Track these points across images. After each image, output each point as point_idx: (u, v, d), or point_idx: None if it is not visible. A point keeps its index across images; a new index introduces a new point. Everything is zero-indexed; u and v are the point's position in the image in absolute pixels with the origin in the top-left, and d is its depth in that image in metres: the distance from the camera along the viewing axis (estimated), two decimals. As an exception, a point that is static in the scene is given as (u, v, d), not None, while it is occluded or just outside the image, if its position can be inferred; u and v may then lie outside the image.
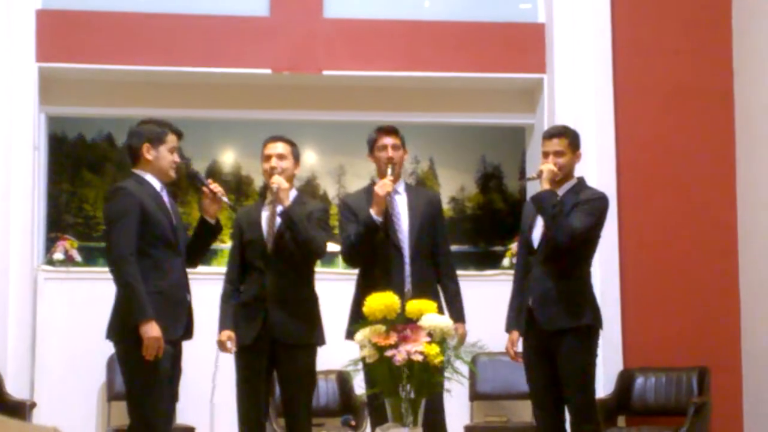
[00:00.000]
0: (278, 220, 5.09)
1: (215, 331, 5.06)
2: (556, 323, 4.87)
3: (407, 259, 5.13)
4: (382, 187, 5.05)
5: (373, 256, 5.10)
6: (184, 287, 4.68)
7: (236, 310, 5.08)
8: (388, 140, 5.19)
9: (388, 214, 5.14)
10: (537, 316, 4.92)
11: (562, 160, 4.95)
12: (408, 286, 5.09)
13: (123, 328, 4.49)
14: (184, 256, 4.72)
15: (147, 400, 4.48)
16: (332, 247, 5.42)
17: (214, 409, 5.06)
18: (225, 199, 4.84)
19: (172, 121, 4.81)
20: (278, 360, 5.06)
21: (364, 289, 4.87)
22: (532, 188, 5.18)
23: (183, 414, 6.52)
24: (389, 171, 5.11)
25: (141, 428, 4.52)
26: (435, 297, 5.14)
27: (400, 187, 5.29)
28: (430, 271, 5.20)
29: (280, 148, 5.15)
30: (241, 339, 5.02)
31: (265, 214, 5.14)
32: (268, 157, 5.12)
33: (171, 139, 4.69)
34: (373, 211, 5.04)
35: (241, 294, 5.13)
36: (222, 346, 5.05)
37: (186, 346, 4.72)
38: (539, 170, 4.96)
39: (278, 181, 5.03)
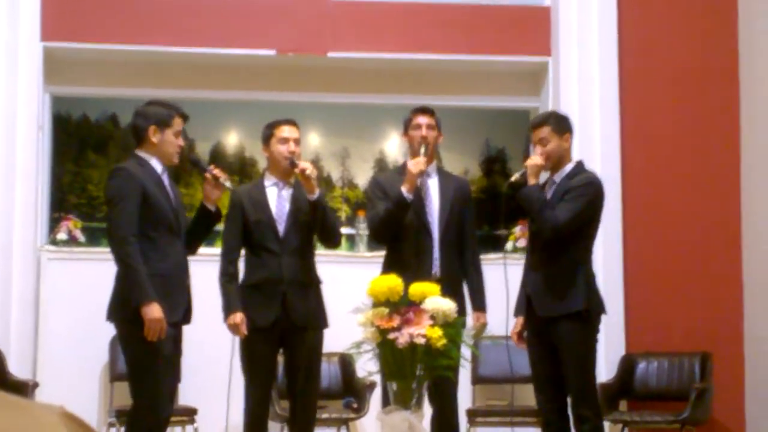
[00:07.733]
0: (287, 202, 5.07)
1: (218, 312, 5.03)
2: (547, 311, 4.90)
3: (436, 243, 5.13)
4: (415, 164, 5.05)
5: (402, 238, 5.10)
6: (184, 270, 4.68)
7: (242, 291, 5.03)
8: (423, 119, 5.21)
9: (419, 196, 5.14)
10: (533, 304, 4.95)
11: (548, 148, 4.95)
12: (436, 269, 5.09)
13: (124, 309, 4.50)
14: (184, 239, 4.71)
15: (148, 380, 4.49)
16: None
17: (221, 391, 5.05)
18: (228, 183, 4.82)
19: (178, 103, 4.80)
20: (289, 342, 5.02)
21: (393, 270, 4.82)
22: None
23: (185, 395, 6.55)
24: (422, 150, 5.12)
25: (143, 409, 4.53)
26: (461, 283, 5.16)
27: (433, 171, 5.28)
28: (456, 257, 5.20)
29: (297, 132, 5.13)
30: (257, 321, 4.95)
31: (272, 195, 5.12)
32: (285, 140, 5.08)
33: (177, 122, 4.66)
34: (404, 189, 5.04)
35: (247, 275, 5.09)
36: (236, 329, 4.93)
37: (189, 327, 4.72)
38: (523, 167, 4.96)
39: (311, 168, 5.00)
